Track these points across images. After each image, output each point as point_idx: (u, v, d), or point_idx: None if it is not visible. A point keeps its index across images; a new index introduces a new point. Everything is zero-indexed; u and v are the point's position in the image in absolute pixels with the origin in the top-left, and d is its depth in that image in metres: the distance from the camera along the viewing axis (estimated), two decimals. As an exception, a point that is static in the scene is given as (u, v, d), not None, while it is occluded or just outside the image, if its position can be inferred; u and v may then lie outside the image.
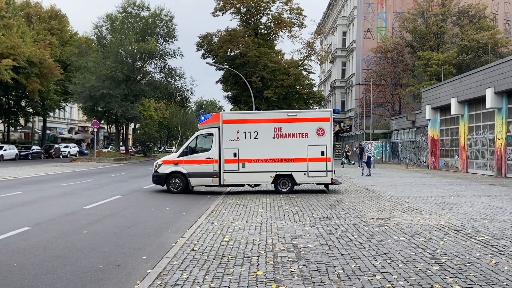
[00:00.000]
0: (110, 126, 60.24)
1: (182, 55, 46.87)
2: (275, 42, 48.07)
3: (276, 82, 41.95)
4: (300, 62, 45.44)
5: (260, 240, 7.97)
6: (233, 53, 44.36)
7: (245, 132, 15.55)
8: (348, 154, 37.10)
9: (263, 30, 46.54)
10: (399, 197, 14.50)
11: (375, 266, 6.24)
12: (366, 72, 47.76)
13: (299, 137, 15.29)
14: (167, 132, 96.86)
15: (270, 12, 45.22)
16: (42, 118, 56.12)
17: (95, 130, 43.64)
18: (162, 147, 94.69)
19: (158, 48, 44.98)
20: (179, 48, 53.10)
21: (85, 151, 57.45)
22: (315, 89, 54.09)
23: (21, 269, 6.40)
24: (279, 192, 15.51)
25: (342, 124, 55.89)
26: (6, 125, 48.99)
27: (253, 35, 44.66)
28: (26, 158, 43.04)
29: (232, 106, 67.51)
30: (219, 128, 15.73)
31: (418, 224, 9.54)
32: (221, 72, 47.65)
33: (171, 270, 6.15)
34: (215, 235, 8.49)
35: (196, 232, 8.75)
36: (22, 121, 54.46)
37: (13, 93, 46.39)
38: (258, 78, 41.22)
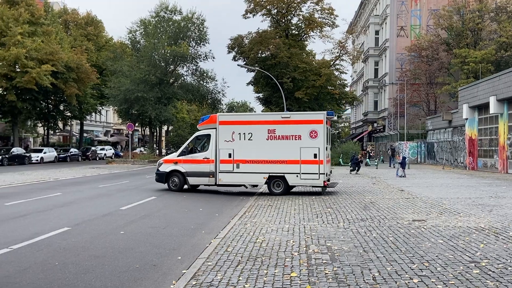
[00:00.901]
0: (144, 128, 61.49)
1: (213, 58, 47.57)
2: (306, 42, 47.79)
3: (308, 83, 41.70)
4: (332, 62, 45.03)
5: (293, 241, 7.95)
6: (264, 55, 44.37)
7: (240, 133, 15.89)
8: (371, 154, 36.45)
9: (294, 31, 46.37)
10: (436, 198, 14.15)
11: (412, 269, 6.12)
12: (399, 71, 46.86)
13: (292, 139, 15.40)
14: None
15: (301, 13, 45.01)
16: (79, 122, 57.97)
17: (130, 132, 44.62)
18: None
19: (190, 51, 45.64)
20: (210, 50, 53.72)
21: (120, 153, 58.81)
22: (347, 89, 53.49)
23: (62, 268, 6.62)
24: (272, 194, 15.61)
25: (375, 125, 55.03)
26: (45, 128, 50.92)
27: (284, 36, 44.58)
28: (64, 160, 44.44)
29: (263, 108, 67.63)
30: (215, 129, 16.22)
31: (457, 226, 9.28)
32: (252, 74, 47.79)
33: (205, 271, 6.22)
34: (248, 236, 8.52)
35: (229, 233, 8.81)
36: (60, 124, 56.36)
37: (52, 98, 48.06)
38: (289, 79, 41.09)
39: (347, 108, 65.43)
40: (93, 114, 62.44)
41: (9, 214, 11.46)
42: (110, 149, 58.45)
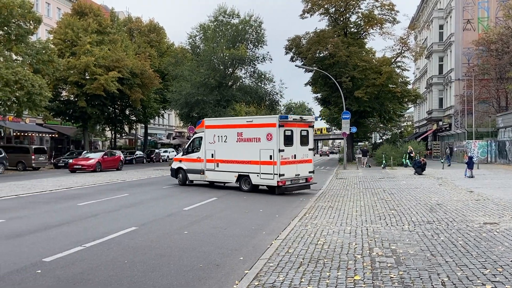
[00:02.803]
0: (204, 131, 62.79)
1: (271, 59, 47.34)
2: (365, 40, 46.77)
3: (368, 82, 40.77)
4: (393, 60, 43.69)
5: (356, 244, 7.80)
6: (322, 54, 43.93)
7: (219, 136, 18.52)
8: (411, 154, 34.82)
9: (352, 29, 45.53)
10: (509, 200, 13.30)
11: (485, 275, 5.79)
12: (466, 67, 44.55)
13: (254, 142, 17.37)
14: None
15: (359, 10, 44.11)
16: (143, 125, 60.33)
17: (191, 135, 45.87)
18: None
19: (248, 53, 46.05)
20: (268, 52, 53.73)
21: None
22: (410, 87, 51.66)
23: (130, 266, 6.92)
24: (241, 190, 17.66)
25: (440, 123, 52.71)
26: (113, 132, 53.48)
27: (342, 34, 43.89)
28: (130, 162, 46.45)
29: (322, 108, 66.99)
30: (204, 132, 19.11)
31: (534, 230, 8.67)
32: (310, 74, 47.46)
33: (267, 272, 6.24)
34: (309, 237, 8.47)
35: (290, 235, 8.80)
36: (126, 128, 58.87)
37: (119, 103, 50.37)
38: (348, 78, 40.38)
39: (409, 106, 63.14)
40: (156, 117, 64.62)
41: (81, 214, 12.16)
42: (173, 151, 60.29)
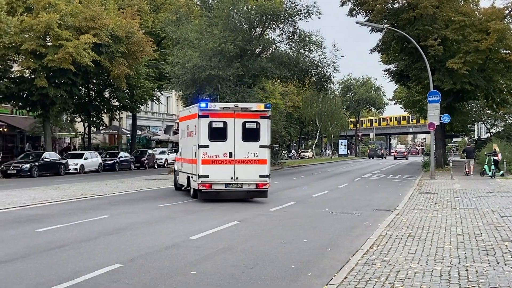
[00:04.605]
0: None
1: (319, 14, 46.99)
2: (463, -18, 46.00)
3: (467, 46, 40.09)
4: (507, 12, 42.82)
5: (449, 292, 7.72)
6: (396, 5, 43.46)
7: (182, 130, 22.35)
8: (496, 158, 33.88)
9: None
10: None
11: None
12: None
13: (192, 136, 20.59)
14: (299, 128, 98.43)
15: None
16: (131, 114, 60.93)
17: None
18: (293, 150, 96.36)
19: (284, 5, 45.90)
20: (315, 3, 53.31)
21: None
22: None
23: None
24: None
25: None
26: (86, 125, 54.05)
27: (428, -26, 43.29)
28: (112, 169, 47.29)
29: (397, 86, 66.22)
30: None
31: None
32: (379, 35, 47.01)
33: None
34: (379, 282, 8.44)
35: (349, 278, 8.79)
36: (106, 118, 59.57)
37: (95, 81, 50.92)
38: (438, 40, 39.79)
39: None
40: (149, 102, 65.15)
41: (42, 244, 12.41)
42: (173, 152, 60.80)
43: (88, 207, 19.77)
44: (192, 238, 12.98)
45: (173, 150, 60.80)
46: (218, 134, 19.91)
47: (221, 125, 19.88)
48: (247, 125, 20.10)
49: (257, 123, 20.25)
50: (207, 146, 19.74)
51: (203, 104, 20.36)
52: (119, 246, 12.15)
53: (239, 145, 20.03)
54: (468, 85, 41.50)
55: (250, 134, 20.16)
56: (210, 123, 19.77)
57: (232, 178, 20.02)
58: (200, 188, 20.09)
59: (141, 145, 67.71)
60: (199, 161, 19.93)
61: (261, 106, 20.82)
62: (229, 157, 19.98)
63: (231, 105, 20.75)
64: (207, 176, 19.74)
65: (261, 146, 20.16)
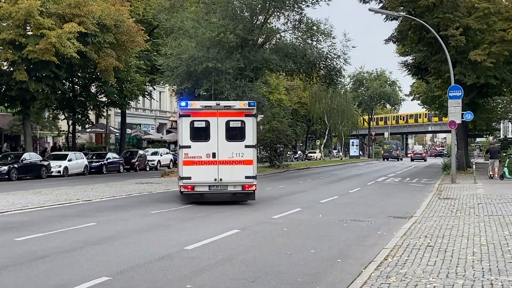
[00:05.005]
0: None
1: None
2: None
3: (492, 36, 40.03)
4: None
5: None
6: (414, -9, 43.40)
7: None
8: None
9: None
10: None
11: None
12: None
13: None
14: (306, 126, 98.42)
15: None
16: (120, 111, 60.93)
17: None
18: (299, 151, 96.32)
19: (290, -10, 45.81)
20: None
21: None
22: None
23: None
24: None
25: None
26: (71, 122, 54.08)
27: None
28: (99, 171, 47.36)
29: (414, 80, 66.15)
30: None
31: None
32: (394, 24, 46.94)
33: None
34: (395, 298, 8.42)
35: (362, 293, 8.76)
36: (92, 116, 59.42)
37: (80, 75, 50.93)
38: (459, 29, 39.72)
39: None
40: (140, 98, 65.21)
41: (21, 255, 12.40)
42: (167, 153, 60.82)
43: (73, 213, 19.77)
44: (187, 248, 12.96)
45: (167, 152, 60.82)
46: (200, 134, 21.15)
47: (203, 124, 21.13)
48: (231, 124, 21.21)
49: (242, 121, 21.26)
50: (189, 147, 20.96)
51: (183, 103, 21.55)
52: (107, 257, 12.14)
53: (223, 145, 21.07)
54: (493, 79, 41.42)
55: (235, 134, 21.30)
56: (192, 123, 21.03)
57: (215, 179, 21.10)
58: (182, 190, 21.40)
59: (131, 145, 67.82)
60: (181, 162, 21.31)
61: (244, 104, 21.76)
62: (212, 157, 21.01)
63: (212, 103, 22.08)
64: (189, 178, 20.90)
65: (246, 146, 21.16)
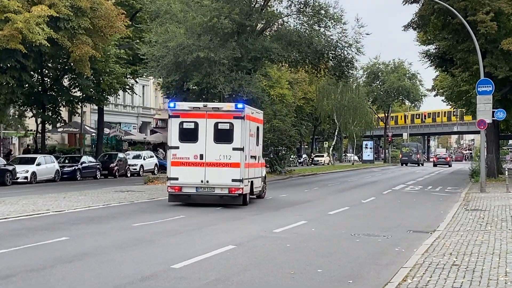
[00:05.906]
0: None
1: (338, -20, 47.16)
2: None
3: (528, 21, 40.19)
4: None
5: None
6: (437, -31, 43.54)
7: None
8: None
9: None
10: None
11: None
12: None
13: None
14: (312, 126, 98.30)
15: None
16: (96, 107, 60.91)
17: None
18: (304, 155, 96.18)
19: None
20: (332, -35, 53.37)
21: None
22: None
23: None
24: None
25: None
26: (40, 121, 54.00)
27: None
28: (72, 177, 47.13)
29: (437, 72, 66.15)
30: None
31: None
32: (415, 8, 47.07)
33: None
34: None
35: (376, 319, 8.79)
36: (64, 113, 59.41)
37: (50, 65, 50.86)
38: (490, 14, 39.84)
39: None
40: (121, 93, 65.13)
41: (-18, 273, 12.38)
42: (151, 156, 60.69)
43: (42, 226, 19.70)
44: (174, 267, 12.92)
45: (151, 155, 60.69)
46: (188, 135, 23.86)
47: (192, 125, 23.82)
48: (220, 126, 23.57)
49: (231, 124, 23.78)
50: (177, 147, 23.78)
51: (171, 104, 24.52)
52: (82, 277, 12.09)
53: (211, 146, 23.69)
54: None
55: (223, 136, 23.83)
56: (181, 123, 23.80)
57: (202, 181, 23.73)
58: (169, 190, 24.24)
59: (109, 148, 67.74)
60: (169, 163, 24.27)
61: (231, 106, 24.32)
62: (200, 159, 23.73)
63: (200, 104, 24.86)
64: (177, 179, 23.69)
65: (234, 149, 23.59)
